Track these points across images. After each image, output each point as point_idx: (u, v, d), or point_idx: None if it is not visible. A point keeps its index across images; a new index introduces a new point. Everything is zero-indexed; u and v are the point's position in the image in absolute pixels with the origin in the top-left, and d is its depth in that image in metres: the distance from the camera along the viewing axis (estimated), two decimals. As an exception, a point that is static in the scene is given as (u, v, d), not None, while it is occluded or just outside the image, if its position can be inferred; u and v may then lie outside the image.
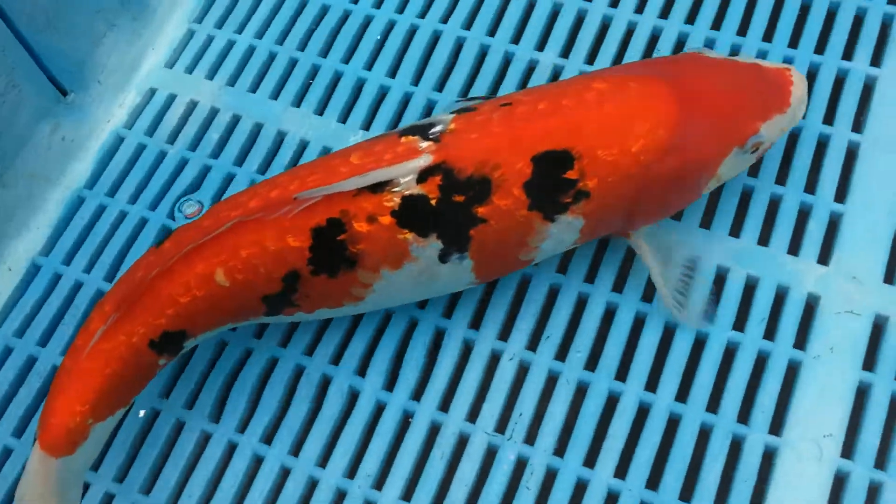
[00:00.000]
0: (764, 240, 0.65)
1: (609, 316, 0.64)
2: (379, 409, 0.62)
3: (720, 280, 0.64)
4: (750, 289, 0.63)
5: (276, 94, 0.75)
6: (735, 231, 0.65)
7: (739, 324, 0.62)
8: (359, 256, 0.56)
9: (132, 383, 0.57)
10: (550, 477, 0.59)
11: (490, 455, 0.60)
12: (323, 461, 0.61)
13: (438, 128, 0.56)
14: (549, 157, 0.56)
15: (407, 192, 0.55)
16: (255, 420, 0.62)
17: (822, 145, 0.68)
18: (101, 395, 0.55)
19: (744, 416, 0.60)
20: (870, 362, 0.61)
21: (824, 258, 0.64)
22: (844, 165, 0.67)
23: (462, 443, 0.61)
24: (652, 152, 0.57)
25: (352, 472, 0.61)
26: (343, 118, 0.73)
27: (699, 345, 0.62)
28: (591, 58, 0.72)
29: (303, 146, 0.73)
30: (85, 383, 0.55)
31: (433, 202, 0.55)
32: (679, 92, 0.58)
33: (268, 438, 0.62)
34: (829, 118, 0.69)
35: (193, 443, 0.62)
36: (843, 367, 0.60)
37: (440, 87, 0.73)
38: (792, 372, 0.61)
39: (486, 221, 0.56)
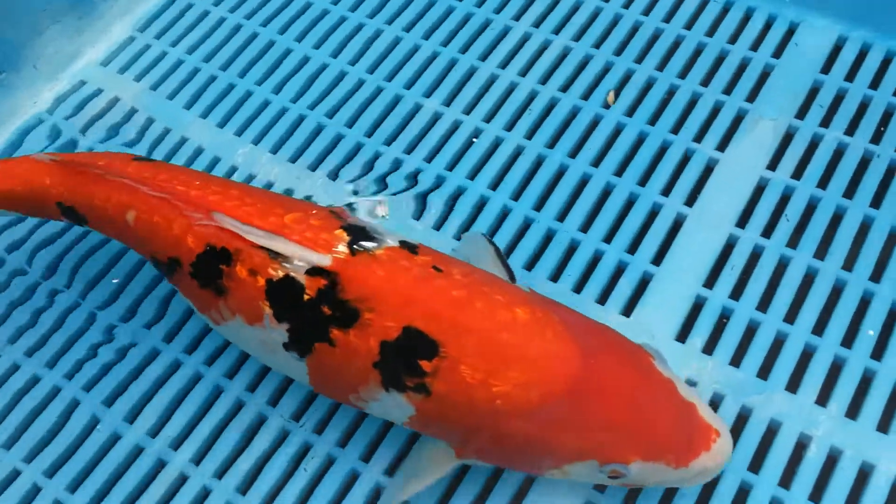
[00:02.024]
0: (579, 288, 0.70)
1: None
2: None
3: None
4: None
5: (189, 105, 0.83)
6: (555, 277, 0.71)
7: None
8: (225, 290, 0.58)
9: (28, 206, 0.66)
10: None
11: None
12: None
13: (369, 244, 0.57)
14: (418, 335, 0.54)
15: (291, 274, 0.56)
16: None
17: (654, 214, 0.73)
18: (6, 190, 0.65)
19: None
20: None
21: (628, 311, 0.69)
22: (669, 234, 0.72)
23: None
24: (510, 404, 0.54)
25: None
26: (256, 140, 0.80)
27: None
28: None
29: (198, 153, 0.80)
30: (8, 174, 0.65)
31: (305, 297, 0.56)
32: (584, 372, 0.54)
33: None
34: (666, 191, 0.74)
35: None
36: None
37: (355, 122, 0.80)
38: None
39: (333, 345, 0.56)
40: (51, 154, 0.65)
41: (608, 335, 0.57)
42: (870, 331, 0.65)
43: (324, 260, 0.56)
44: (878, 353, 0.65)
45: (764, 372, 0.65)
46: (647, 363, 0.56)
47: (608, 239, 0.72)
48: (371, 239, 0.57)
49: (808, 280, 0.69)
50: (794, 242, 0.71)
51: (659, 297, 0.69)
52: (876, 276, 0.68)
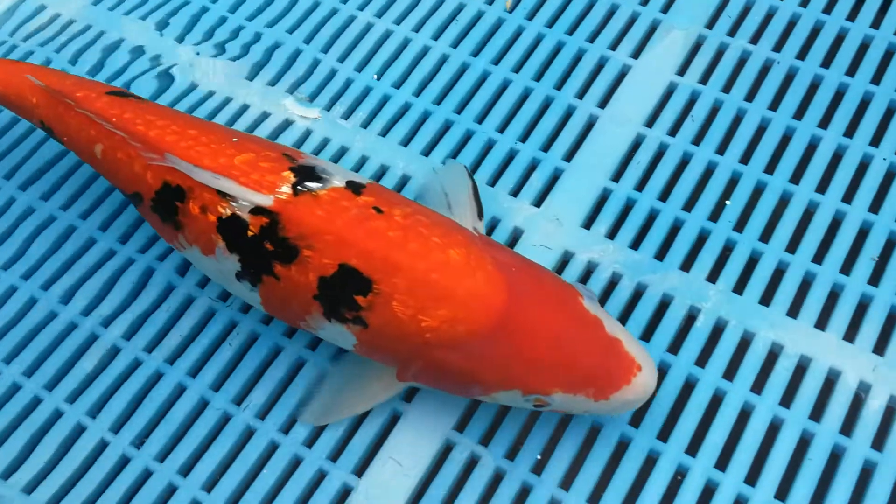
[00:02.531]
0: (493, 182, 0.74)
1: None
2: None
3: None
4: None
5: (145, 17, 0.87)
6: (472, 172, 0.74)
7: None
8: (182, 225, 0.62)
9: (16, 110, 0.72)
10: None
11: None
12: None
13: (314, 185, 0.60)
14: (353, 273, 0.57)
15: (238, 213, 0.59)
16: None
17: (568, 115, 0.78)
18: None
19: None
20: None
21: (539, 202, 0.73)
22: (582, 133, 0.77)
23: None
24: (439, 338, 0.57)
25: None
26: (180, 38, 0.84)
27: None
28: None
29: (138, 55, 0.84)
30: (5, 80, 0.70)
31: (249, 234, 0.59)
32: (511, 309, 0.57)
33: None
34: (581, 95, 0.78)
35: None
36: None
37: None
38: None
39: (277, 279, 0.60)
40: (39, 76, 0.69)
41: (541, 276, 0.60)
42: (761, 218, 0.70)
43: (266, 200, 0.59)
44: (766, 236, 0.69)
45: (661, 254, 0.70)
46: (575, 302, 0.58)
47: (524, 138, 0.76)
48: (318, 180, 0.60)
49: (708, 174, 0.73)
50: (697, 140, 0.75)
51: (569, 189, 0.73)
52: (770, 168, 0.72)
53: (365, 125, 0.79)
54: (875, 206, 0.70)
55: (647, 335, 0.66)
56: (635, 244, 0.70)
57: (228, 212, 0.60)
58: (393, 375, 0.62)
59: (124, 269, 0.73)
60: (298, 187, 0.60)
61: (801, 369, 0.64)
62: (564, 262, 0.70)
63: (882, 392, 0.62)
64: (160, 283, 0.72)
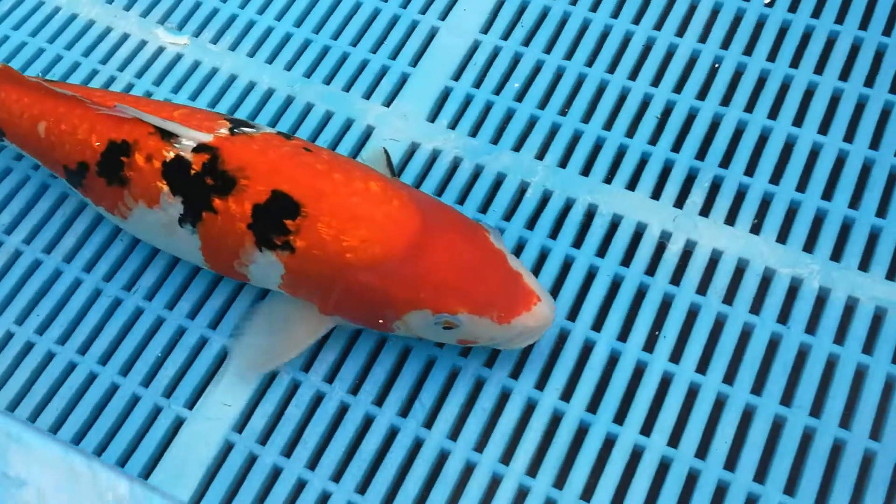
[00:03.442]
0: (348, 88, 0.83)
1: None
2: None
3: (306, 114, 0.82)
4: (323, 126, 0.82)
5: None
6: (327, 81, 0.83)
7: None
8: (128, 180, 0.67)
9: None
10: None
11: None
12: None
13: (248, 129, 0.66)
14: (284, 198, 0.62)
15: (181, 153, 0.64)
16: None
17: (413, 27, 0.87)
18: None
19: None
20: (399, 172, 0.78)
21: (389, 102, 0.82)
22: (425, 42, 0.86)
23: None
24: (357, 258, 0.62)
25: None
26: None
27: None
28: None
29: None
30: None
31: (192, 172, 0.64)
32: (423, 235, 0.62)
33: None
34: (423, 11, 0.87)
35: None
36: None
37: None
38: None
39: (215, 212, 0.64)
40: None
41: (451, 213, 0.65)
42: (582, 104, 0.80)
43: (207, 137, 0.64)
44: (587, 118, 0.79)
45: (496, 139, 0.79)
46: (482, 236, 0.64)
47: (374, 50, 0.85)
48: (251, 127, 0.66)
49: (537, 69, 0.83)
50: (527, 42, 0.84)
51: (415, 90, 0.82)
52: (590, 62, 0.82)
53: (233, 48, 0.86)
54: (661, 73, 0.80)
55: (484, 207, 0.76)
56: (474, 133, 0.80)
57: (172, 154, 0.65)
58: (315, 315, 0.67)
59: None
60: (235, 130, 0.65)
61: (614, 225, 0.74)
62: (412, 151, 0.79)
63: (680, 238, 0.73)
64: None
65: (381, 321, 0.64)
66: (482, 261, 0.62)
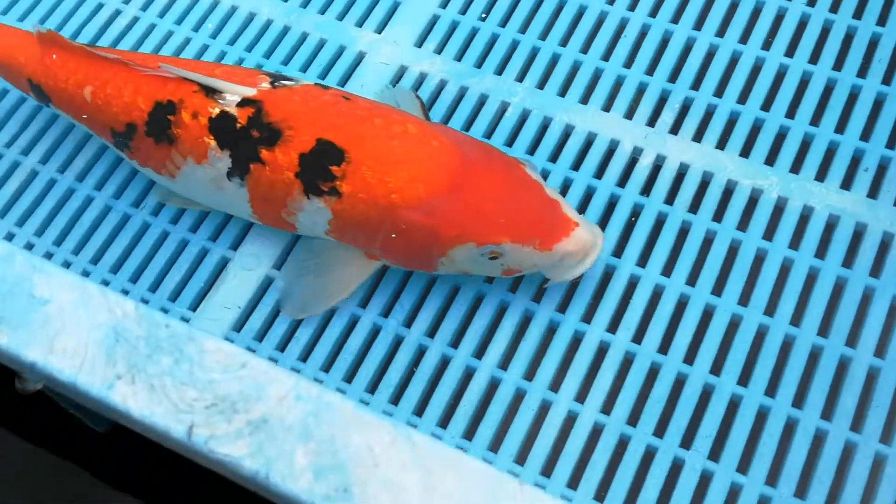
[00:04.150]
0: (341, 17, 0.88)
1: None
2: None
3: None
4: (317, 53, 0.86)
5: None
6: (323, 10, 0.88)
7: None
8: (176, 138, 0.69)
9: (6, 73, 0.77)
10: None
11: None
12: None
13: (287, 82, 0.68)
14: (328, 145, 0.65)
15: (226, 109, 0.67)
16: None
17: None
18: None
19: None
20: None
21: (380, 30, 0.87)
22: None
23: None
24: (402, 197, 0.64)
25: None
26: None
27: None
28: None
29: None
30: None
31: (237, 126, 0.66)
32: (464, 172, 0.64)
33: None
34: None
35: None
36: (367, 94, 0.83)
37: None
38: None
39: (263, 163, 0.66)
40: (42, 27, 0.73)
41: (487, 149, 0.68)
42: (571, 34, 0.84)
43: (250, 91, 0.67)
44: (564, 42, 0.84)
45: (479, 63, 0.84)
46: (519, 168, 0.66)
47: (369, -20, 0.90)
48: (289, 80, 0.69)
49: (520, -2, 0.87)
50: (512, -28, 0.89)
51: (405, 17, 0.87)
52: (569, -11, 0.87)
53: None
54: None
55: (467, 126, 0.80)
56: (459, 57, 0.84)
57: (217, 110, 0.67)
58: (361, 258, 0.70)
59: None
60: (275, 84, 0.68)
61: (588, 142, 0.79)
62: (400, 75, 0.84)
63: (650, 153, 0.78)
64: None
65: (426, 259, 0.67)
66: (521, 192, 0.65)
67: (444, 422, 0.69)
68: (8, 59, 0.75)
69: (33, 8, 0.90)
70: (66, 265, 0.78)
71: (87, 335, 0.43)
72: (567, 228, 0.64)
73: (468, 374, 0.70)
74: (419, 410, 0.69)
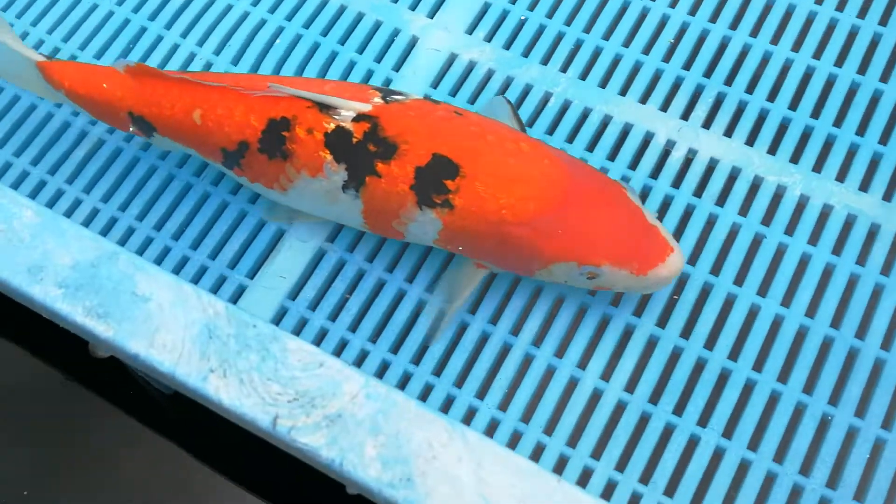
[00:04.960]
0: (413, 5, 0.92)
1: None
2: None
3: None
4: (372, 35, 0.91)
5: None
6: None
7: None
8: (290, 153, 0.70)
9: (102, 111, 0.77)
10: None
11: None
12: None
13: (398, 97, 0.70)
14: (444, 160, 0.67)
15: (341, 124, 0.69)
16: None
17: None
18: (85, 95, 0.76)
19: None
20: (437, 81, 0.89)
21: (433, 14, 0.92)
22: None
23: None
24: (512, 214, 0.67)
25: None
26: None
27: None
28: None
29: None
30: (85, 79, 0.76)
31: (354, 140, 0.68)
32: (572, 193, 0.67)
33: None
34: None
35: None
36: (419, 81, 0.88)
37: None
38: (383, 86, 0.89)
39: (379, 176, 0.68)
40: (126, 62, 0.75)
41: (592, 172, 0.71)
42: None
43: (366, 107, 0.69)
44: (608, 35, 0.88)
45: (526, 52, 0.89)
46: (621, 193, 0.69)
47: (421, -35, 0.94)
48: (400, 94, 0.71)
49: (566, -12, 0.92)
50: (559, -38, 0.93)
51: (457, 3, 0.91)
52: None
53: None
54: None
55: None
56: (507, 46, 0.89)
57: (333, 125, 0.69)
58: (470, 267, 0.73)
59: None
60: (387, 98, 0.70)
61: (625, 133, 0.84)
62: (451, 61, 0.89)
63: (683, 146, 0.83)
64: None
65: (526, 268, 0.70)
66: (623, 216, 0.68)
67: (503, 404, 0.75)
68: (104, 96, 0.76)
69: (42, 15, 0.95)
70: (131, 230, 0.84)
71: (184, 332, 0.49)
72: (663, 254, 0.68)
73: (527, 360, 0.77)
74: (459, 382, 0.76)
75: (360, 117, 0.69)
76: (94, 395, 0.83)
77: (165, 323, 0.50)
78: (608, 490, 0.71)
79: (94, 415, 0.82)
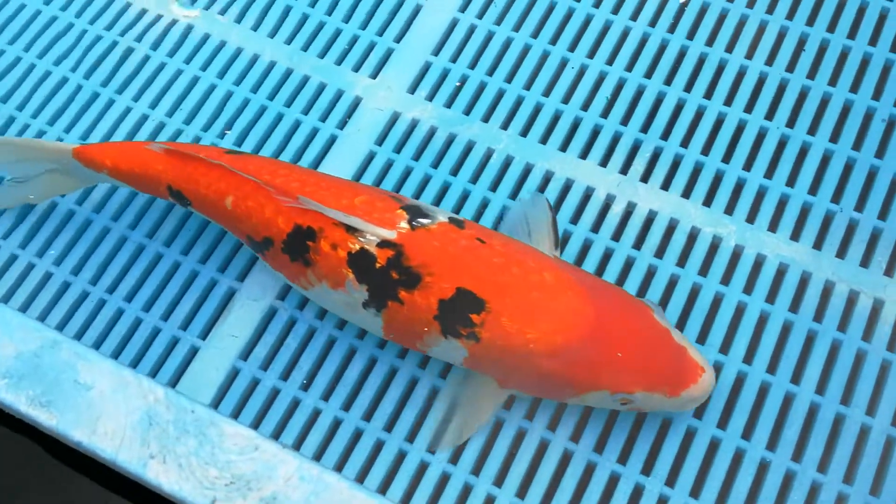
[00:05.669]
0: (339, 62, 0.95)
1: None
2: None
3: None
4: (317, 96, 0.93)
5: None
6: (322, 55, 0.95)
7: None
8: (313, 262, 0.71)
9: (144, 185, 0.79)
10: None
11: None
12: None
13: (425, 221, 0.70)
14: (468, 295, 0.67)
15: (366, 247, 0.69)
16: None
17: (400, 5, 0.98)
18: (128, 172, 0.78)
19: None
20: (382, 139, 0.91)
21: (375, 74, 0.94)
22: (408, 19, 0.97)
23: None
24: (540, 347, 0.67)
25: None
26: None
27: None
28: None
29: None
30: (124, 157, 0.78)
31: (377, 265, 0.69)
32: (598, 322, 0.67)
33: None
34: (408, -12, 0.98)
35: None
36: (363, 139, 0.90)
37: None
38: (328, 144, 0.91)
39: (401, 303, 0.69)
40: (161, 144, 0.77)
41: (617, 293, 0.71)
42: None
43: (391, 234, 0.69)
44: (547, 92, 0.91)
45: (468, 110, 0.91)
46: (648, 315, 0.69)
47: (364, 26, 0.96)
48: (425, 216, 0.70)
49: (506, 45, 0.94)
50: (499, 21, 0.96)
51: (398, 64, 0.94)
52: (553, 40, 0.94)
53: (238, 20, 0.98)
54: (615, 53, 0.92)
55: (455, 171, 0.88)
56: (448, 104, 0.92)
57: (357, 247, 0.69)
58: (494, 388, 0.72)
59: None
60: (413, 223, 0.70)
61: (566, 188, 0.87)
62: (394, 120, 0.91)
63: (622, 200, 0.85)
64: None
65: (558, 397, 0.71)
66: (652, 340, 0.68)
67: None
68: (146, 170, 0.78)
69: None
70: (85, 294, 0.85)
71: (125, 419, 0.51)
72: (695, 375, 0.68)
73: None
74: (410, 437, 0.77)
75: (384, 243, 0.69)
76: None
77: (107, 410, 0.51)
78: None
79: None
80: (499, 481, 0.75)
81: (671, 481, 0.74)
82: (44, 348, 0.53)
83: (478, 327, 0.68)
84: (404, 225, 0.70)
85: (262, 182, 0.72)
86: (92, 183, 0.84)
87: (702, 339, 0.79)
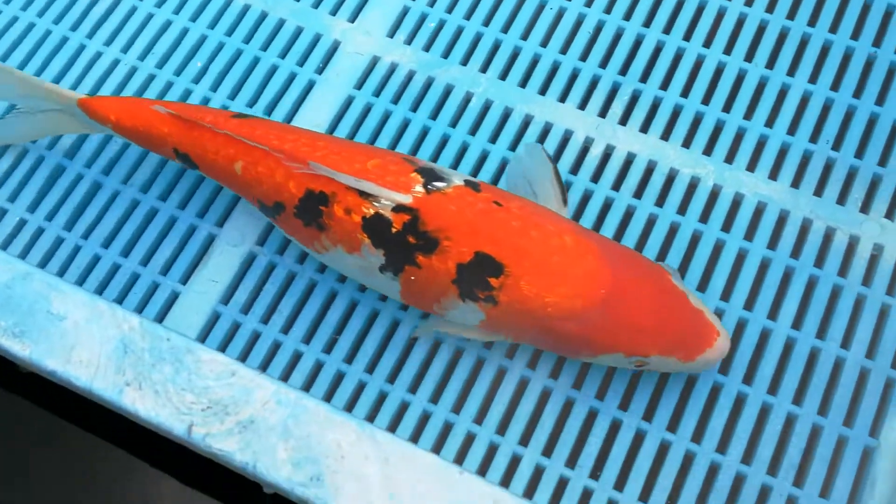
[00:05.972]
0: (317, 5, 0.94)
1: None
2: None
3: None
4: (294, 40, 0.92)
5: None
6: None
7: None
8: (326, 227, 0.70)
9: (150, 144, 0.78)
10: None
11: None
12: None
13: (440, 184, 0.68)
14: (487, 258, 0.66)
15: (381, 211, 0.68)
16: None
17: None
18: (132, 128, 0.77)
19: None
20: (361, 83, 0.90)
21: (353, 19, 0.93)
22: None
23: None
24: (559, 311, 0.66)
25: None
26: None
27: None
28: None
29: None
30: (130, 113, 0.77)
31: (393, 230, 0.68)
32: (616, 286, 0.67)
33: None
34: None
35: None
36: (342, 83, 0.90)
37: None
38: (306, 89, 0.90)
39: (419, 267, 0.68)
40: (166, 105, 0.76)
41: (634, 257, 0.70)
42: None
43: (406, 199, 0.68)
44: (526, 34, 0.91)
45: (446, 54, 0.91)
46: (665, 278, 0.69)
47: (342, -31, 0.95)
48: (440, 179, 0.69)
49: (485, -10, 0.94)
50: (477, -36, 0.95)
51: (377, 7, 0.93)
52: None
53: None
54: None
55: (434, 115, 0.87)
56: (427, 47, 0.91)
57: (372, 211, 0.68)
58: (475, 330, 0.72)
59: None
60: (428, 186, 0.69)
61: (545, 131, 0.86)
62: (373, 64, 0.91)
63: (601, 143, 0.85)
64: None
65: (573, 355, 0.71)
66: (668, 303, 0.68)
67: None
68: (151, 131, 0.77)
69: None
70: (60, 240, 0.84)
71: (100, 347, 0.51)
72: (710, 339, 0.67)
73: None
74: (391, 378, 0.78)
75: (399, 208, 0.68)
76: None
77: (81, 340, 0.51)
78: (534, 480, 0.73)
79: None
80: (501, 429, 0.75)
81: (674, 426, 0.74)
82: (15, 279, 0.53)
83: (496, 291, 0.67)
84: (419, 189, 0.68)
85: (271, 149, 0.71)
86: (100, 132, 0.83)
87: (681, 276, 0.79)
